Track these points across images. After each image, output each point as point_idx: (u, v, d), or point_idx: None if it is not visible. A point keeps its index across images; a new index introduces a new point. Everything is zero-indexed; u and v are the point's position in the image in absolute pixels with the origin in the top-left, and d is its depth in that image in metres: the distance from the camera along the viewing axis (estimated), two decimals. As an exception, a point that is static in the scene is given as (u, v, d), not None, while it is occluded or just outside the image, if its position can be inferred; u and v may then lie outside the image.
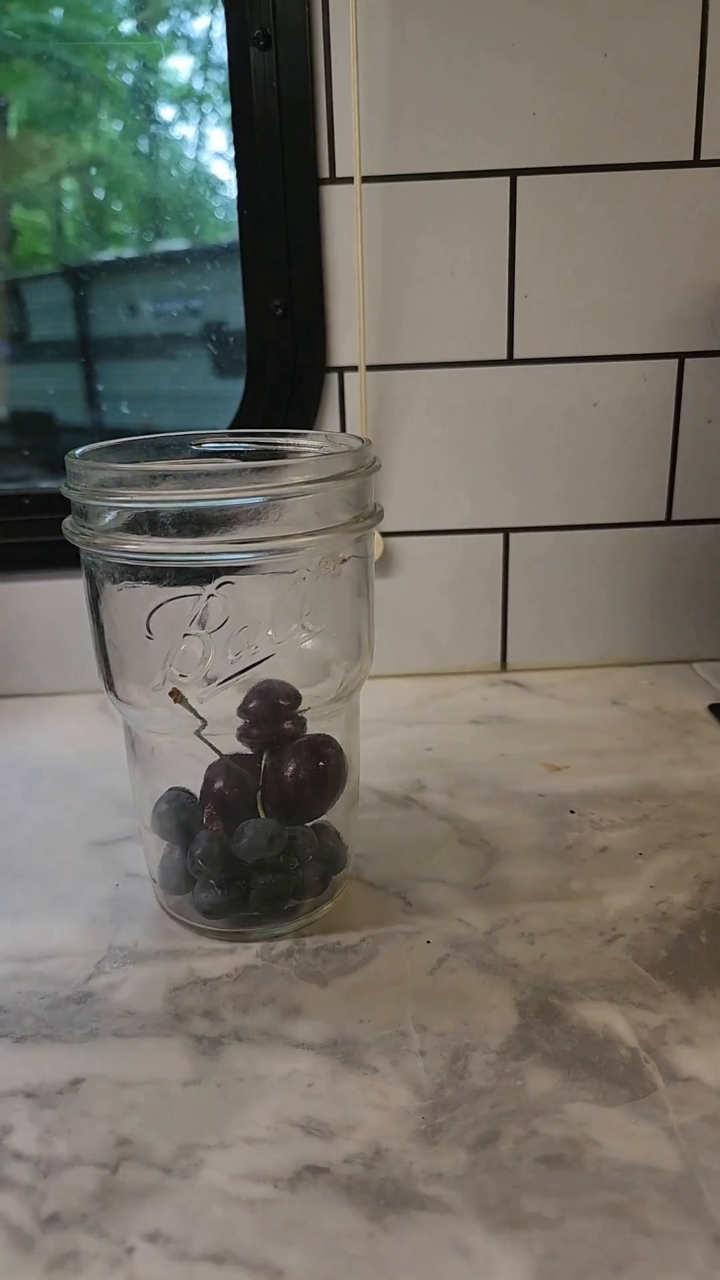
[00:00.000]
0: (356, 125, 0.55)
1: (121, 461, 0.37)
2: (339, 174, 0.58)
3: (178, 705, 0.35)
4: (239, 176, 0.59)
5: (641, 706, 0.61)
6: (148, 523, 0.32)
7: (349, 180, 0.57)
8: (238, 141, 0.58)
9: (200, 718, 0.35)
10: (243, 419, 0.63)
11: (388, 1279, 0.25)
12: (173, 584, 0.33)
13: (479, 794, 0.50)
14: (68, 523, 0.34)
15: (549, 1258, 0.25)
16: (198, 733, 0.36)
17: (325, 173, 0.58)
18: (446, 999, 0.35)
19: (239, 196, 0.59)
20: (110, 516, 0.33)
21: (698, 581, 0.66)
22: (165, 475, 0.32)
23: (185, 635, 0.33)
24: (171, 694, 0.35)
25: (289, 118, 0.57)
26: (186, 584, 0.33)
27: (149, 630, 0.33)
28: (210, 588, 0.33)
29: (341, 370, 0.61)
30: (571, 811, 0.48)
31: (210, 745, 0.37)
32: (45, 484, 0.68)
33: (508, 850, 0.44)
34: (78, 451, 0.35)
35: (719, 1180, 0.27)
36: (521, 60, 0.56)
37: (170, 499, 0.32)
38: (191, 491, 0.32)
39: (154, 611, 0.33)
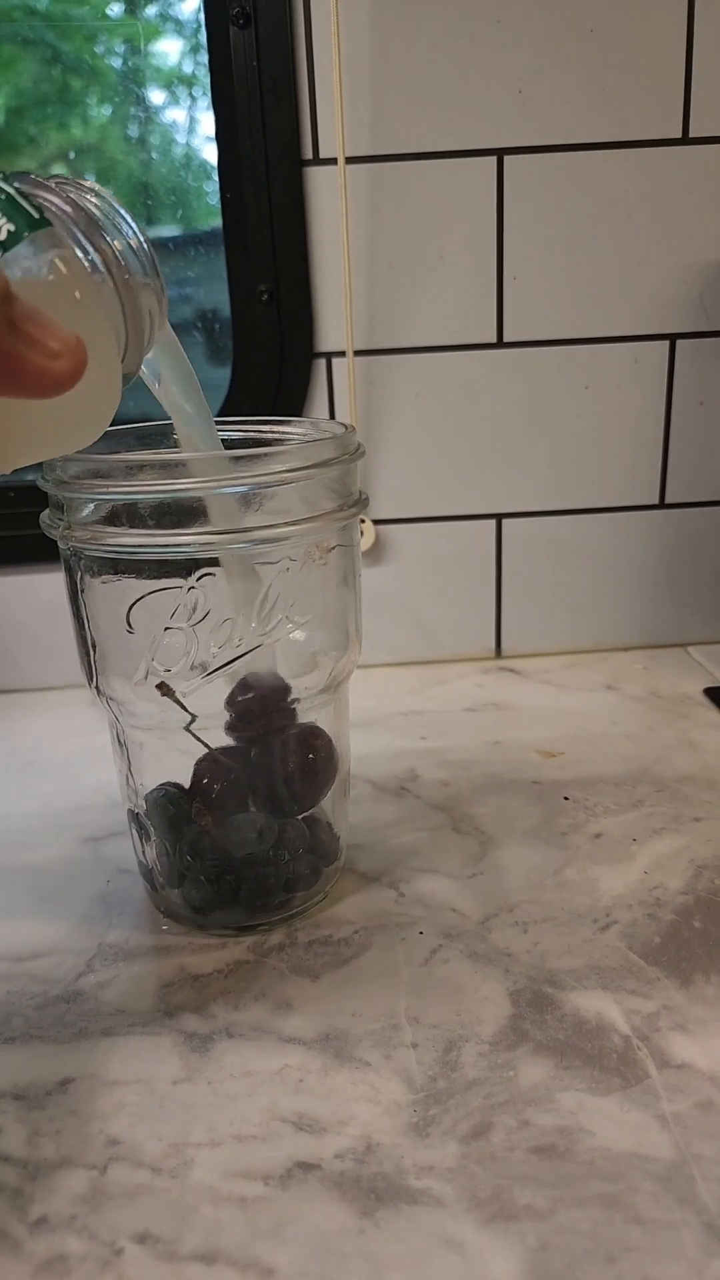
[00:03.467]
0: (339, 104, 0.54)
1: (100, 452, 0.36)
2: (322, 155, 0.57)
3: (165, 699, 0.34)
4: (221, 159, 0.58)
5: (636, 691, 0.60)
6: (126, 514, 0.32)
7: (333, 161, 0.56)
8: (219, 123, 0.57)
9: (189, 712, 0.35)
10: (230, 407, 0.62)
11: (379, 1275, 0.24)
12: (153, 576, 0.32)
13: (473, 782, 0.50)
14: (44, 516, 0.34)
15: (541, 1249, 0.25)
16: (186, 727, 0.36)
17: (308, 154, 0.57)
18: (439, 990, 0.34)
19: (221, 179, 0.58)
20: (88, 509, 0.33)
21: (692, 565, 0.66)
22: (143, 465, 0.31)
23: (167, 629, 0.33)
24: (159, 688, 0.34)
25: (270, 98, 0.56)
26: (167, 576, 0.32)
27: (129, 624, 0.33)
28: (191, 580, 0.32)
29: (329, 355, 0.61)
30: (566, 798, 0.48)
31: (198, 739, 0.36)
32: (32, 475, 0.68)
33: (502, 838, 0.44)
34: (55, 443, 0.35)
35: (712, 1168, 0.27)
36: (507, 37, 0.55)
37: (149, 489, 0.31)
38: (170, 481, 0.31)
39: (134, 605, 0.33)
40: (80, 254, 0.25)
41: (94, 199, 0.26)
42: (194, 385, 0.33)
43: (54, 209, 0.25)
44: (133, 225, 0.27)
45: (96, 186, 0.27)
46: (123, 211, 0.27)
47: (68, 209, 0.25)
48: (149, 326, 0.28)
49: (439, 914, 0.39)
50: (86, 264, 0.25)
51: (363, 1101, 0.30)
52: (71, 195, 0.26)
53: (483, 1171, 0.27)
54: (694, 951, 0.36)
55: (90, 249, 0.25)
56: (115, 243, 0.26)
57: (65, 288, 0.24)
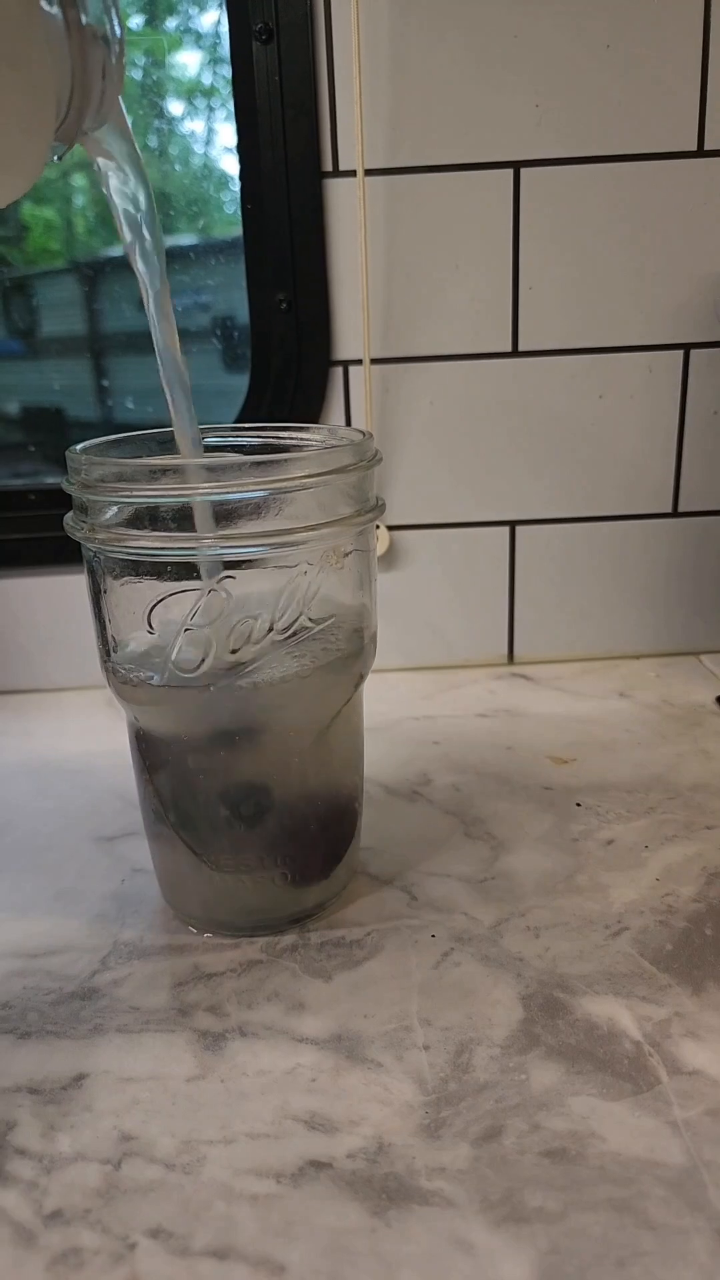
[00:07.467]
0: (359, 118, 0.55)
1: (123, 456, 0.37)
2: (342, 167, 0.57)
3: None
4: (242, 170, 0.59)
5: (649, 699, 0.60)
6: (148, 518, 0.32)
7: (352, 173, 0.57)
8: (241, 135, 0.58)
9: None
10: (247, 413, 0.63)
11: (390, 1275, 0.25)
12: (174, 578, 0.33)
13: (485, 787, 0.50)
14: (69, 518, 0.34)
15: (552, 1252, 0.25)
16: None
17: (328, 166, 0.58)
18: (451, 993, 0.34)
19: (242, 190, 0.59)
20: (111, 512, 0.33)
21: (705, 573, 0.66)
22: (165, 470, 0.32)
23: (187, 630, 0.33)
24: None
25: (291, 111, 0.56)
26: (187, 578, 0.33)
27: (150, 625, 0.33)
28: (211, 582, 0.33)
29: (346, 364, 0.61)
30: (578, 804, 0.48)
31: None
32: (52, 479, 0.69)
33: (514, 843, 0.44)
34: (79, 447, 0.35)
35: (724, 1175, 0.27)
36: (524, 52, 0.56)
37: (170, 494, 0.32)
38: (191, 486, 0.32)
39: (155, 606, 0.33)
40: None
41: None
42: (143, 177, 0.29)
43: None
44: None
45: None
46: None
47: None
48: (100, 86, 0.24)
49: (451, 917, 0.39)
50: None
51: (374, 1102, 0.30)
52: None
53: (494, 1174, 0.27)
54: (706, 959, 0.36)
55: None
56: None
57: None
